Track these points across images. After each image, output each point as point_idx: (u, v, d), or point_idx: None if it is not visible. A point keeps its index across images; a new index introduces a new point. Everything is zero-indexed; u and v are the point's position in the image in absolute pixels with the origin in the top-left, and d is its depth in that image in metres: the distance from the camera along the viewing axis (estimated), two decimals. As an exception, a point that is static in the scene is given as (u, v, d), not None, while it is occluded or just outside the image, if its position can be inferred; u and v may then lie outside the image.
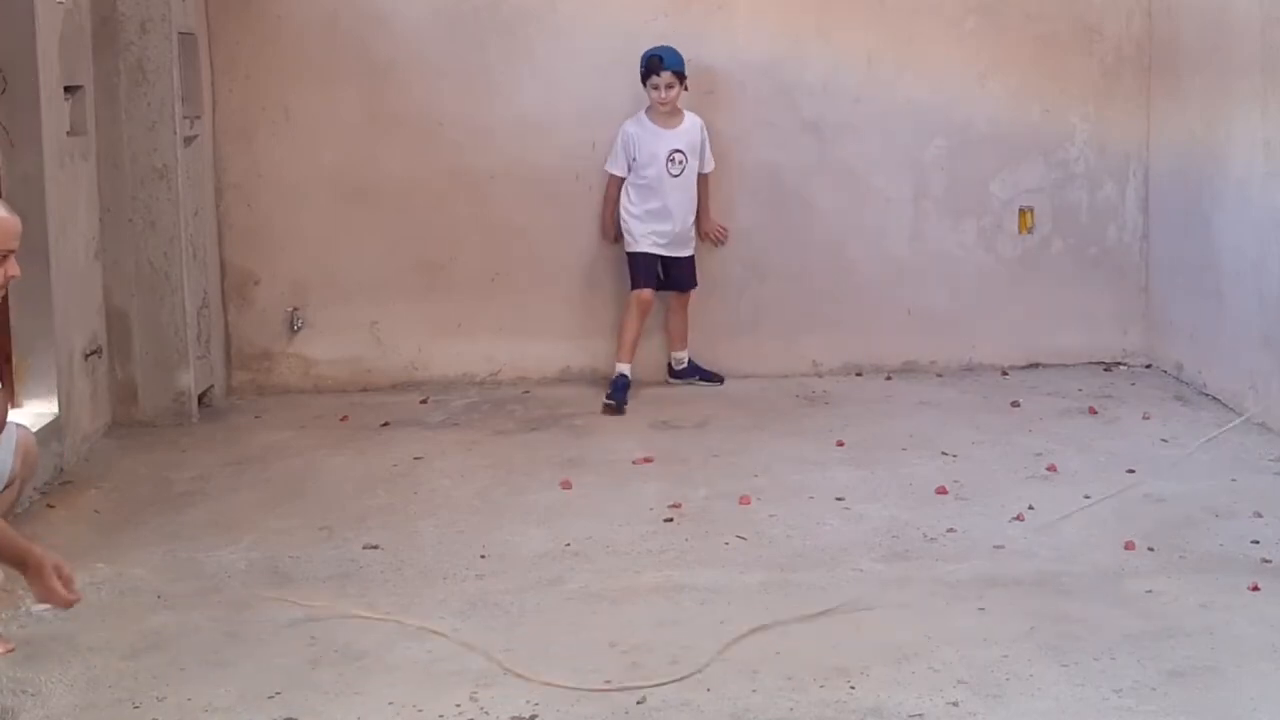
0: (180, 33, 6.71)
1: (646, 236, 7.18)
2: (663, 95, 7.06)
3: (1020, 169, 7.64)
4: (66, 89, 6.12)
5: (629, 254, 7.23)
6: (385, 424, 6.79)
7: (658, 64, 7.07)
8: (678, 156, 7.14)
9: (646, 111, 7.15)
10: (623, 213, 7.22)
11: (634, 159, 7.17)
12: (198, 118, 7.02)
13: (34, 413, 5.73)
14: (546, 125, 7.40)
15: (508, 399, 7.24)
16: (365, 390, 7.46)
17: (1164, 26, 7.44)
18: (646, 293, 7.20)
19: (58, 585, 3.78)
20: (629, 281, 7.24)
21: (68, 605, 3.87)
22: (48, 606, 3.94)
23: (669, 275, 7.31)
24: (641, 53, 7.16)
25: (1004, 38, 7.55)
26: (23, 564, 3.80)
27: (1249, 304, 6.49)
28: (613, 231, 7.31)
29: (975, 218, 7.67)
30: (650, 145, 7.14)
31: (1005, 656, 4.01)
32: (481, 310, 7.51)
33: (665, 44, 7.15)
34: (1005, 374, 7.56)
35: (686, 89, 7.13)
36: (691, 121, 7.22)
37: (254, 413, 7.09)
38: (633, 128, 7.16)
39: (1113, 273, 7.72)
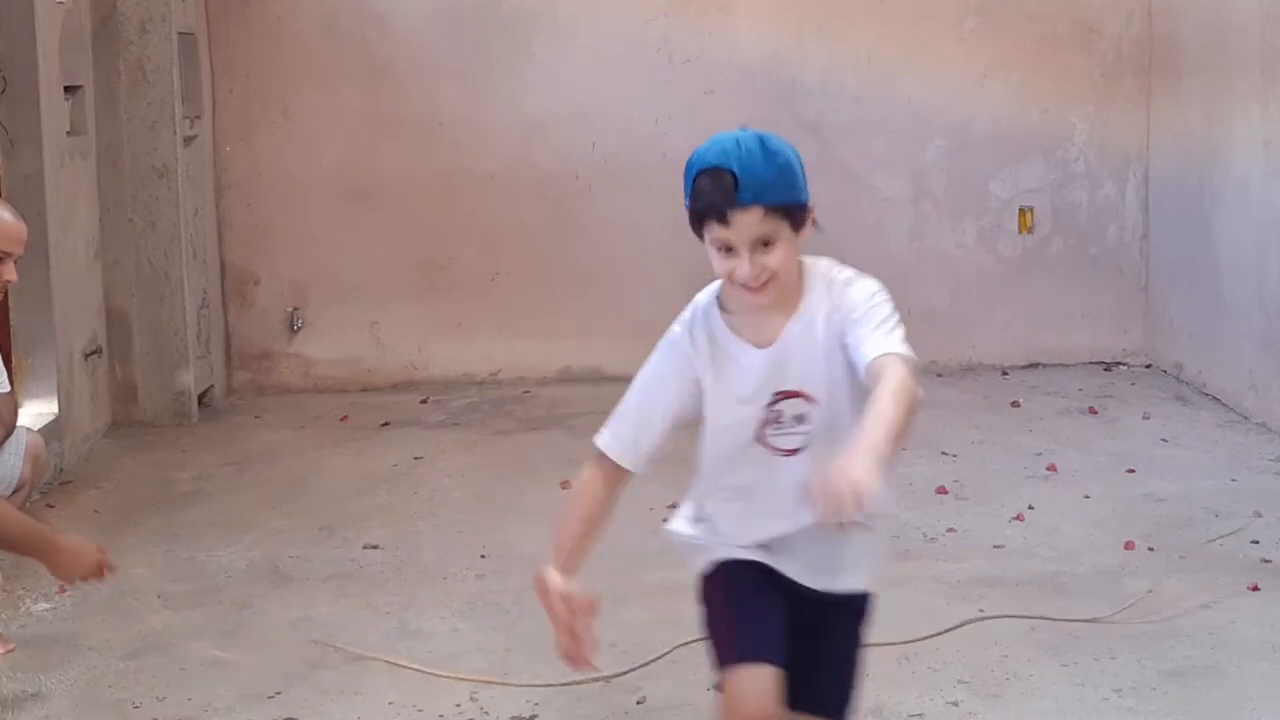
0: (180, 33, 6.71)
1: (733, 531, 2.90)
2: (746, 274, 2.59)
3: (1020, 169, 7.64)
4: (66, 89, 6.12)
5: (704, 579, 3.02)
6: (385, 424, 6.79)
7: (724, 193, 2.56)
8: (790, 408, 2.72)
9: (720, 299, 2.75)
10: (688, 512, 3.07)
11: (677, 419, 2.79)
12: (198, 118, 7.02)
13: (34, 413, 5.73)
14: (546, 125, 7.40)
15: (508, 399, 7.24)
16: (365, 390, 7.46)
17: (1164, 26, 7.44)
18: (758, 689, 2.71)
19: (87, 555, 3.77)
20: (714, 658, 2.84)
21: (102, 573, 3.83)
22: (50, 606, 3.93)
23: (802, 647, 2.82)
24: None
25: (1004, 38, 7.55)
26: (39, 547, 3.77)
27: (1249, 304, 6.49)
28: (564, 556, 3.02)
29: (975, 218, 7.67)
30: (727, 384, 2.74)
31: (1005, 656, 4.01)
32: (481, 310, 7.51)
33: (743, 137, 2.61)
34: (1005, 374, 7.56)
35: (815, 225, 2.67)
36: (815, 303, 2.70)
37: (254, 413, 7.09)
38: (685, 343, 2.75)
39: (1113, 273, 7.72)
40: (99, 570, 3.75)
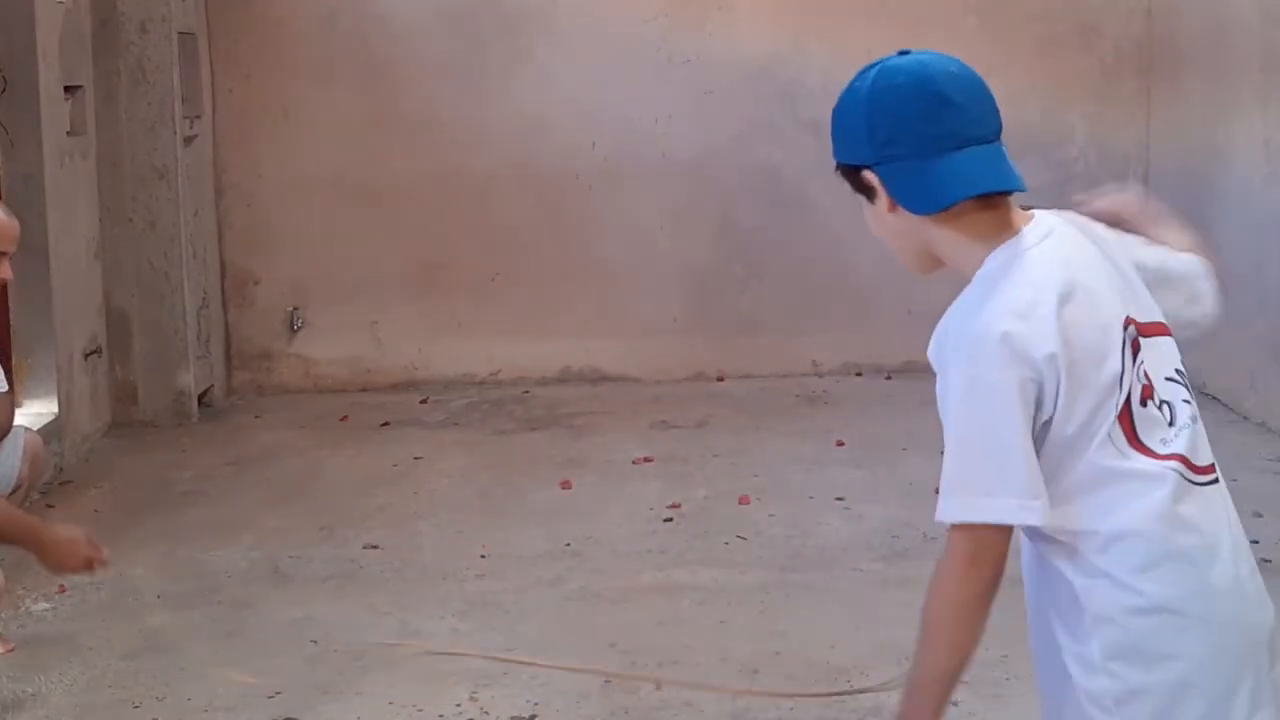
0: (180, 33, 6.71)
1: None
2: None
3: (1020, 169, 7.59)
4: (66, 89, 6.12)
5: None
6: (385, 424, 6.79)
7: None
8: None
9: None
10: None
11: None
12: (198, 118, 7.02)
13: (34, 413, 5.73)
14: (546, 125, 7.39)
15: (508, 399, 7.24)
16: (365, 390, 7.46)
17: (1164, 26, 7.44)
18: None
19: (77, 548, 3.74)
20: None
21: (95, 565, 3.80)
22: (50, 606, 3.93)
23: None
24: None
25: (1004, 38, 7.54)
26: (28, 538, 3.75)
27: (1249, 304, 6.48)
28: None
29: (975, 218, 7.66)
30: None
31: (1005, 657, 4.00)
32: (481, 310, 7.51)
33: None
34: (1005, 374, 7.55)
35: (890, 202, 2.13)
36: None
37: (254, 413, 7.09)
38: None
39: (1113, 273, 7.71)
40: (89, 564, 3.73)
